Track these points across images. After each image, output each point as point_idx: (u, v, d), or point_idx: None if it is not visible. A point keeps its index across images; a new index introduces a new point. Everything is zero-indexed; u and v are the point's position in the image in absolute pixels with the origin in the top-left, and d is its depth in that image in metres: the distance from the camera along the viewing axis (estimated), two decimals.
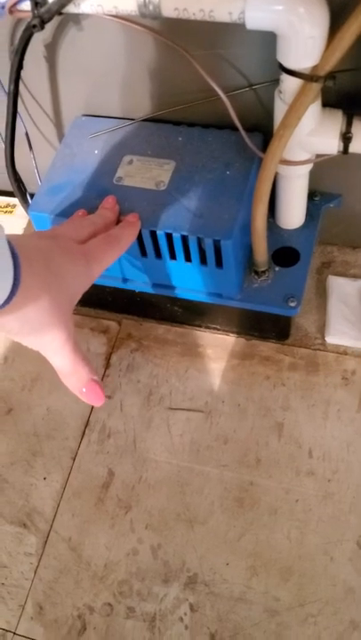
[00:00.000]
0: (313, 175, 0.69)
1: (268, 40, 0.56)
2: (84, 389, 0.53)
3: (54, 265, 0.49)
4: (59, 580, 0.69)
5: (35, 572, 0.69)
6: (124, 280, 0.74)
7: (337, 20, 0.53)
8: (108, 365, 0.81)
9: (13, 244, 0.44)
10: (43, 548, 0.70)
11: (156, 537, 0.69)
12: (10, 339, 0.84)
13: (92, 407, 0.78)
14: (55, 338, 0.50)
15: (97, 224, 0.60)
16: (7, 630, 0.67)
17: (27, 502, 0.73)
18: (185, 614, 0.65)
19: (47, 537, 0.71)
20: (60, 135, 0.80)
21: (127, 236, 0.61)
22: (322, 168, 0.67)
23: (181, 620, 0.65)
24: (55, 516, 0.72)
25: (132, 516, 0.70)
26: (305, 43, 0.54)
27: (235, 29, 0.56)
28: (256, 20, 0.53)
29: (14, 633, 0.66)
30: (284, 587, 0.65)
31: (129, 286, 0.75)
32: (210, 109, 0.67)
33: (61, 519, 0.72)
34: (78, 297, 0.54)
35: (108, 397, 0.78)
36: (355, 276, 0.81)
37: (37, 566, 0.69)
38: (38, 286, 0.46)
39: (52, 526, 0.71)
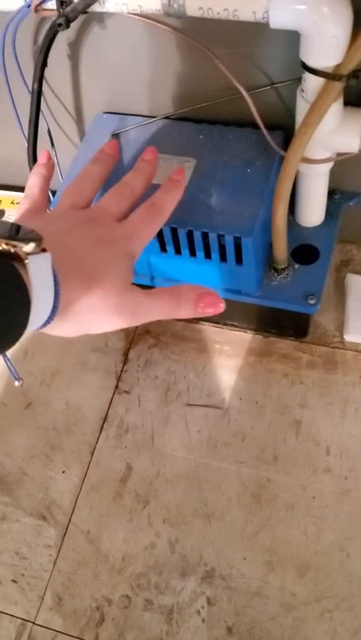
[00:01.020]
0: (333, 173, 0.69)
1: (292, 39, 0.56)
2: (199, 306, 0.48)
3: (94, 264, 0.46)
4: (77, 571, 0.70)
5: (54, 564, 0.70)
6: (143, 275, 0.75)
7: (360, 19, 0.53)
8: (125, 361, 0.81)
9: (55, 270, 0.42)
10: (62, 541, 0.71)
11: (173, 531, 0.70)
12: (29, 335, 0.85)
13: (111, 402, 0.79)
14: (115, 322, 0.47)
15: (137, 189, 0.54)
16: (27, 620, 0.68)
17: (46, 495, 0.74)
18: (202, 607, 0.66)
19: (66, 529, 0.72)
20: (82, 133, 0.81)
21: (171, 201, 0.55)
22: (342, 166, 0.68)
23: (198, 613, 0.66)
24: (74, 509, 0.73)
25: (150, 511, 0.71)
26: (328, 42, 0.54)
27: (258, 28, 0.56)
28: (280, 19, 0.54)
29: (34, 623, 0.68)
30: (300, 582, 0.66)
31: (147, 282, 0.75)
32: (231, 108, 0.68)
33: (80, 512, 0.73)
34: (127, 275, 0.50)
35: (126, 393, 0.79)
36: None
37: (56, 558, 0.70)
38: (78, 294, 0.44)
39: (70, 519, 0.72)
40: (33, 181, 0.56)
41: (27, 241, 0.39)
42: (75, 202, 0.53)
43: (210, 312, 0.48)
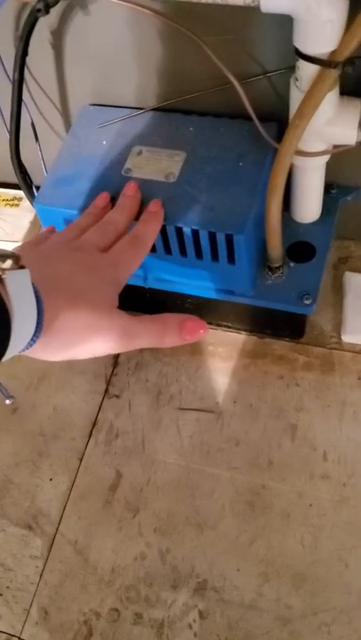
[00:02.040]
0: (330, 167, 0.66)
1: (284, 24, 0.53)
2: (185, 337, 0.48)
3: (79, 286, 0.46)
4: (64, 584, 0.67)
5: (40, 576, 0.67)
6: (133, 276, 0.72)
7: (356, 4, 0.50)
8: (116, 364, 0.79)
9: (37, 287, 0.41)
10: (48, 551, 0.69)
11: (164, 541, 0.67)
12: None
13: (100, 407, 0.76)
14: (103, 344, 0.46)
15: (120, 225, 0.57)
16: (12, 635, 0.65)
17: (32, 504, 0.71)
18: (194, 621, 0.63)
19: (53, 540, 0.69)
20: (68, 125, 0.78)
21: (152, 232, 0.59)
22: (339, 159, 0.65)
23: (190, 626, 0.63)
24: (61, 518, 0.70)
25: (140, 520, 0.68)
26: (323, 27, 0.51)
27: (249, 13, 0.53)
28: (271, 2, 0.51)
29: (19, 638, 0.65)
30: (296, 594, 0.63)
31: (137, 282, 0.72)
32: (222, 98, 0.64)
33: (67, 522, 0.70)
34: (112, 304, 0.50)
35: (116, 397, 0.76)
36: None
37: (43, 570, 0.68)
38: (64, 319, 0.43)
39: (57, 529, 0.70)
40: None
41: (3, 258, 0.39)
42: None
43: (192, 338, 0.48)
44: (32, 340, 0.41)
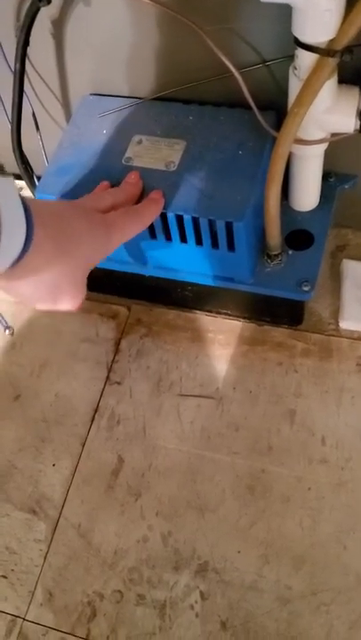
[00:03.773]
0: (328, 155, 0.66)
1: (283, 13, 0.54)
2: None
3: (70, 229, 0.48)
4: (68, 566, 0.68)
5: (44, 559, 0.69)
6: (133, 264, 0.73)
7: None
8: (117, 351, 0.80)
9: (27, 204, 0.43)
10: (52, 535, 0.70)
11: (166, 524, 0.68)
12: (17, 326, 0.83)
13: (102, 393, 0.77)
14: (67, 304, 0.49)
15: (118, 197, 0.59)
16: (17, 616, 0.66)
17: (36, 489, 0.72)
18: (195, 602, 0.64)
19: (57, 523, 0.70)
20: (68, 115, 0.78)
21: (150, 212, 0.60)
22: (337, 148, 0.65)
23: (192, 607, 0.64)
24: (64, 502, 0.71)
25: (142, 503, 0.70)
26: (321, 16, 0.51)
27: (248, 2, 0.54)
28: None
29: (24, 619, 0.66)
30: (295, 575, 0.64)
31: (138, 270, 0.73)
32: (222, 87, 0.65)
33: (71, 506, 0.71)
34: (95, 264, 0.53)
35: (118, 383, 0.77)
36: None
37: (47, 553, 0.69)
38: (52, 249, 0.45)
39: (61, 513, 0.71)
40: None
41: None
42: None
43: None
44: (23, 249, 0.42)
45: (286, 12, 0.53)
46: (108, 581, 0.67)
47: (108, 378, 0.78)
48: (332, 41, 0.53)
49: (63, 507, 0.71)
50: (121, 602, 0.65)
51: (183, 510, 0.69)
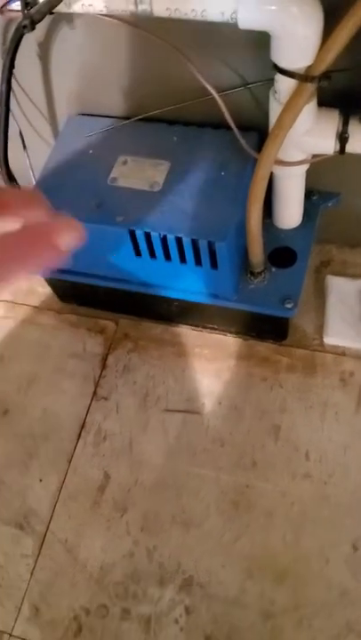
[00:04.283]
0: (310, 174, 0.67)
1: (263, 39, 0.55)
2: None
3: None
4: (55, 581, 0.69)
5: (31, 574, 0.69)
6: (119, 280, 0.74)
7: (331, 20, 0.52)
8: (104, 366, 0.80)
9: None
10: (39, 550, 0.70)
11: (151, 539, 0.69)
12: (6, 340, 0.84)
13: (89, 409, 0.77)
14: None
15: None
16: (3, 632, 0.67)
17: (23, 504, 0.73)
18: (180, 616, 0.65)
19: (43, 538, 0.71)
20: (55, 133, 0.79)
21: (44, 251, 0.29)
22: (320, 167, 0.66)
23: (177, 621, 0.65)
24: (51, 517, 0.72)
25: (128, 519, 0.70)
26: (299, 43, 0.53)
27: (229, 28, 0.55)
28: (248, 20, 0.52)
29: (10, 634, 0.67)
30: (278, 589, 0.65)
31: (124, 286, 0.74)
32: (205, 109, 0.66)
33: (57, 521, 0.72)
34: None
35: (104, 399, 0.78)
36: (353, 276, 0.80)
37: (34, 568, 0.70)
38: None
39: (48, 528, 0.71)
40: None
41: None
42: None
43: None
44: None
45: (266, 37, 0.54)
46: (94, 596, 0.67)
47: (95, 393, 0.78)
48: (310, 67, 0.54)
49: (50, 522, 0.72)
50: (107, 617, 0.66)
51: (168, 525, 0.69)
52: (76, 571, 0.69)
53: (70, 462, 0.74)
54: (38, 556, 0.70)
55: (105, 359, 0.81)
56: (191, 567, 0.67)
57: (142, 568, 0.68)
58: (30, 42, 0.67)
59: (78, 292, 0.83)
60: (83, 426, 0.76)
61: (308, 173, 0.68)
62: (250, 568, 0.66)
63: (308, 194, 0.73)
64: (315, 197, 0.74)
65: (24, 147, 0.75)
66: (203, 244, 0.63)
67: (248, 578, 0.66)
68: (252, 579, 0.66)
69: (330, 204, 0.75)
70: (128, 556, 0.69)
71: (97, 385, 0.79)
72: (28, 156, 0.76)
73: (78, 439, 0.76)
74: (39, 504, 0.73)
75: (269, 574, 0.66)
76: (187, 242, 0.64)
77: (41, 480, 0.74)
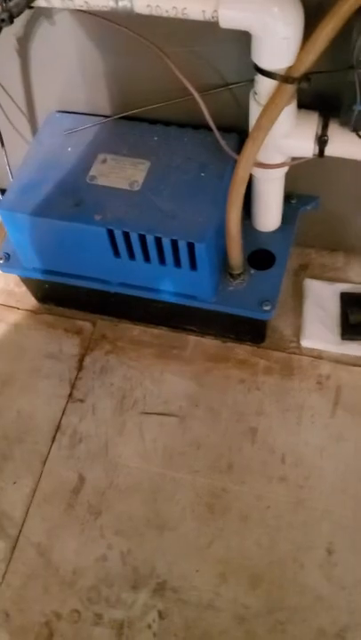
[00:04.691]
0: (289, 177, 0.67)
1: (245, 39, 0.55)
2: None
3: None
4: (27, 585, 0.67)
5: (3, 578, 0.68)
6: (98, 281, 0.73)
7: (312, 21, 0.51)
8: (80, 368, 0.79)
9: None
10: (11, 553, 0.69)
11: (125, 543, 0.68)
12: None
13: (64, 410, 0.76)
14: None
15: None
16: None
17: None
18: (153, 621, 0.64)
19: (16, 542, 0.70)
20: (34, 130, 0.78)
21: None
22: (299, 170, 0.66)
23: (150, 627, 0.64)
24: (25, 520, 0.71)
25: (102, 522, 0.69)
26: (279, 43, 0.52)
27: (210, 27, 0.54)
28: (229, 18, 0.52)
29: None
30: (253, 594, 0.65)
31: (102, 287, 0.73)
32: (186, 108, 0.66)
33: (31, 524, 0.70)
34: None
35: (80, 401, 0.77)
36: (331, 279, 0.80)
37: (5, 572, 0.68)
38: None
39: (21, 531, 0.70)
40: None
41: None
42: None
43: None
44: None
45: (248, 37, 0.54)
46: (67, 601, 0.66)
47: (70, 395, 0.77)
48: (290, 68, 0.54)
49: (23, 525, 0.70)
50: (78, 622, 0.65)
51: (143, 529, 0.69)
52: (48, 575, 0.68)
53: (45, 464, 0.73)
54: (10, 559, 0.69)
55: (82, 360, 0.80)
56: (165, 571, 0.66)
57: (116, 572, 0.67)
58: (9, 37, 0.66)
59: (55, 293, 0.82)
60: (58, 428, 0.75)
61: (288, 176, 0.68)
62: (224, 572, 0.66)
63: (288, 197, 0.73)
64: (294, 201, 0.74)
65: (1, 144, 0.74)
66: (182, 245, 0.63)
67: (222, 582, 0.65)
68: (226, 583, 0.65)
69: (309, 208, 0.75)
70: (102, 560, 0.68)
71: (73, 386, 0.78)
72: (5, 153, 0.75)
73: (53, 441, 0.75)
74: (12, 507, 0.72)
75: (244, 579, 0.65)
76: (166, 242, 0.63)
77: (15, 482, 0.73)
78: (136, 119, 0.70)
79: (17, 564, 0.69)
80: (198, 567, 0.66)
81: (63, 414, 0.76)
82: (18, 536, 0.70)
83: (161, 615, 0.64)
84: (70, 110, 0.73)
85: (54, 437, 0.75)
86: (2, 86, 0.73)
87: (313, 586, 0.64)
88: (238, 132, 0.67)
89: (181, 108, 0.67)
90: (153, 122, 0.70)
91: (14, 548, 0.69)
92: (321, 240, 0.82)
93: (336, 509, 0.68)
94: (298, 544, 0.66)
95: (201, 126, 0.67)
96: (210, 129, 0.64)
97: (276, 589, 0.64)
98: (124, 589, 0.66)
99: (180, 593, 0.65)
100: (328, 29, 0.50)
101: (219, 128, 0.63)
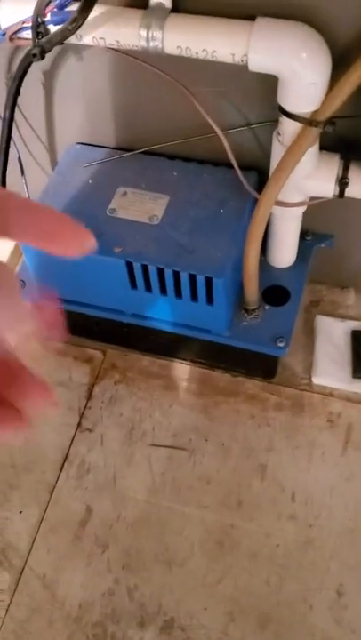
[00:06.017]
0: (306, 215, 0.68)
1: (270, 81, 0.56)
2: None
3: None
4: (31, 619, 0.66)
5: (6, 611, 0.67)
6: (112, 311, 0.73)
7: (339, 67, 0.53)
8: (90, 397, 0.79)
9: None
10: (16, 585, 0.68)
11: (132, 578, 0.67)
12: None
13: (72, 440, 0.76)
14: None
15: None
16: None
17: (1, 537, 0.71)
18: None
19: (21, 573, 0.68)
20: (54, 161, 0.79)
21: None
22: (315, 209, 0.67)
23: None
24: (30, 551, 0.70)
25: (109, 555, 0.69)
26: (306, 88, 0.54)
27: (237, 69, 0.56)
28: (259, 63, 0.53)
29: None
30: (261, 634, 0.64)
31: (116, 317, 0.73)
32: (207, 145, 0.67)
33: (36, 555, 0.69)
34: None
35: (89, 430, 0.76)
36: (342, 317, 0.81)
37: (9, 604, 0.67)
38: None
39: (26, 562, 0.69)
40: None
41: None
42: None
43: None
44: None
45: (273, 80, 0.55)
46: (72, 636, 0.65)
47: (79, 424, 0.77)
48: (315, 112, 0.55)
49: (29, 556, 0.69)
50: None
51: (151, 564, 0.68)
52: (53, 608, 0.66)
53: (52, 494, 0.72)
54: (15, 591, 0.68)
55: (91, 389, 0.80)
56: (173, 608, 0.65)
57: (122, 608, 0.66)
58: (35, 70, 0.67)
59: (67, 320, 0.81)
60: (66, 457, 0.75)
61: (304, 215, 0.69)
62: (232, 611, 0.65)
63: (303, 234, 0.74)
64: (309, 238, 0.75)
65: (22, 172, 0.75)
66: (200, 280, 0.63)
67: (230, 621, 0.64)
68: (234, 622, 0.64)
69: (323, 245, 0.75)
70: (108, 595, 0.67)
71: (82, 416, 0.78)
72: (25, 182, 0.75)
73: (61, 471, 0.74)
74: (18, 537, 0.71)
75: (252, 618, 0.64)
76: (184, 277, 0.64)
77: (21, 512, 0.72)
78: (156, 154, 0.71)
79: (21, 596, 0.67)
80: (206, 605, 0.65)
81: (71, 444, 0.76)
82: (23, 567, 0.69)
83: None
84: (91, 142, 0.74)
85: (62, 467, 0.74)
86: (25, 117, 0.74)
87: (322, 628, 0.63)
88: (257, 171, 0.68)
89: (202, 144, 0.68)
90: (172, 157, 0.71)
91: (19, 579, 0.68)
92: (333, 277, 0.83)
93: (344, 550, 0.67)
94: (307, 584, 0.65)
95: (221, 163, 0.69)
96: (229, 166, 0.65)
97: (286, 630, 0.63)
98: (130, 626, 0.65)
99: (187, 632, 0.64)
100: (354, 77, 0.52)
101: (239, 166, 0.64)
